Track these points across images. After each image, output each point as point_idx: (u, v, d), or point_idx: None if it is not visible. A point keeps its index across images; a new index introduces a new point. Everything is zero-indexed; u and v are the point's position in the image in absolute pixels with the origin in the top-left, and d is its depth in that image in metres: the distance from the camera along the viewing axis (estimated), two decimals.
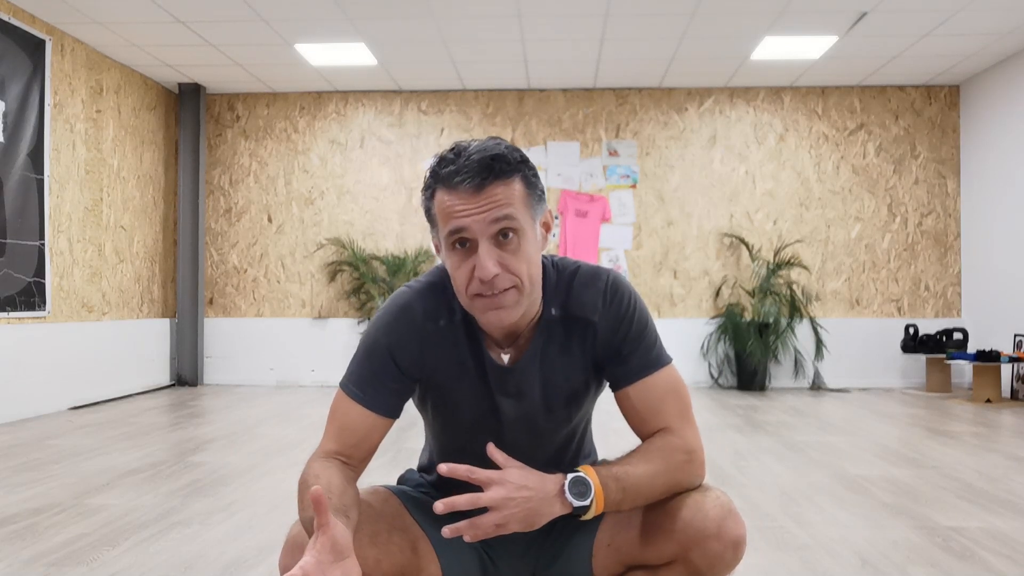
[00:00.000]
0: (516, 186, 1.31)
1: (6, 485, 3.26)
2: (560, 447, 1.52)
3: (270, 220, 7.41)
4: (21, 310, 5.21)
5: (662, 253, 7.24)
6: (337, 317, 7.32)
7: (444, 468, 1.28)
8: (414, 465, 1.68)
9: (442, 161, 1.32)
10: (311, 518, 1.20)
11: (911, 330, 6.85)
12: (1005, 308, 6.44)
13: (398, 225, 7.30)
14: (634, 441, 1.43)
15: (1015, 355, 6.03)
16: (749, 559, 2.18)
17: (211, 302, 7.40)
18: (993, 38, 5.92)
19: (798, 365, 7.02)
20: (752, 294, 7.01)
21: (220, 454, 3.94)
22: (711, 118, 7.28)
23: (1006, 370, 6.31)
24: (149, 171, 6.98)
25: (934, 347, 6.66)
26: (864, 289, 7.18)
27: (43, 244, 5.45)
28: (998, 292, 6.57)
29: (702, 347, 7.10)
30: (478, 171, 1.28)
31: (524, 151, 1.56)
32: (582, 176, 7.27)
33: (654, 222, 7.25)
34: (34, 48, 5.37)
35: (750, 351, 6.73)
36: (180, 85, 7.19)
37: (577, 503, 1.28)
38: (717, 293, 7.19)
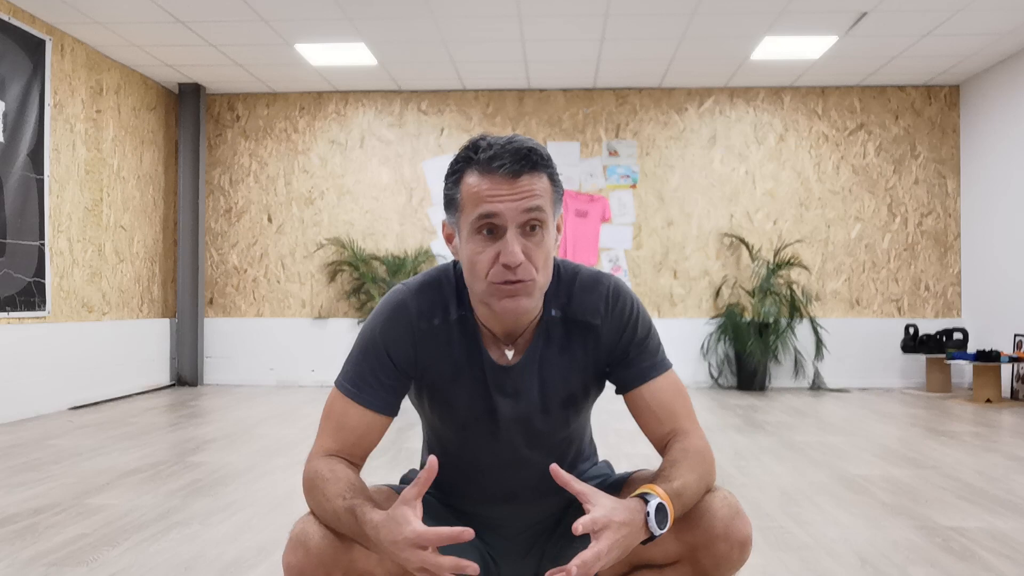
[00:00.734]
0: (544, 181, 1.32)
1: (6, 485, 3.26)
2: (559, 450, 1.52)
3: (270, 220, 7.41)
4: (21, 310, 5.21)
5: (662, 253, 7.24)
6: (337, 317, 7.32)
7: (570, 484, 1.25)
8: (413, 465, 1.68)
9: (476, 147, 1.32)
10: (348, 506, 1.24)
11: (911, 330, 6.85)
12: (1005, 308, 6.44)
13: (398, 225, 7.30)
14: (639, 442, 1.43)
15: (1015, 355, 6.03)
16: (749, 559, 2.18)
17: (211, 302, 7.40)
18: (993, 38, 5.92)
19: (798, 365, 7.02)
20: (752, 294, 7.01)
21: (220, 454, 3.94)
22: (711, 118, 7.28)
23: (1006, 370, 6.31)
24: (149, 171, 6.98)
25: (934, 347, 6.66)
26: (864, 289, 7.18)
27: (43, 244, 5.45)
28: (998, 292, 6.57)
29: (702, 347, 7.10)
30: (515, 159, 1.28)
31: None
32: (582, 176, 7.27)
33: (654, 222, 7.25)
34: (34, 48, 5.37)
35: (750, 351, 6.73)
36: (180, 85, 7.19)
37: (659, 532, 1.25)
38: (717, 293, 7.19)
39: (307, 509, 1.36)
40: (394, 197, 7.32)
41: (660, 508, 1.24)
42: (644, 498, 1.25)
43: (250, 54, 6.30)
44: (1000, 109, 6.55)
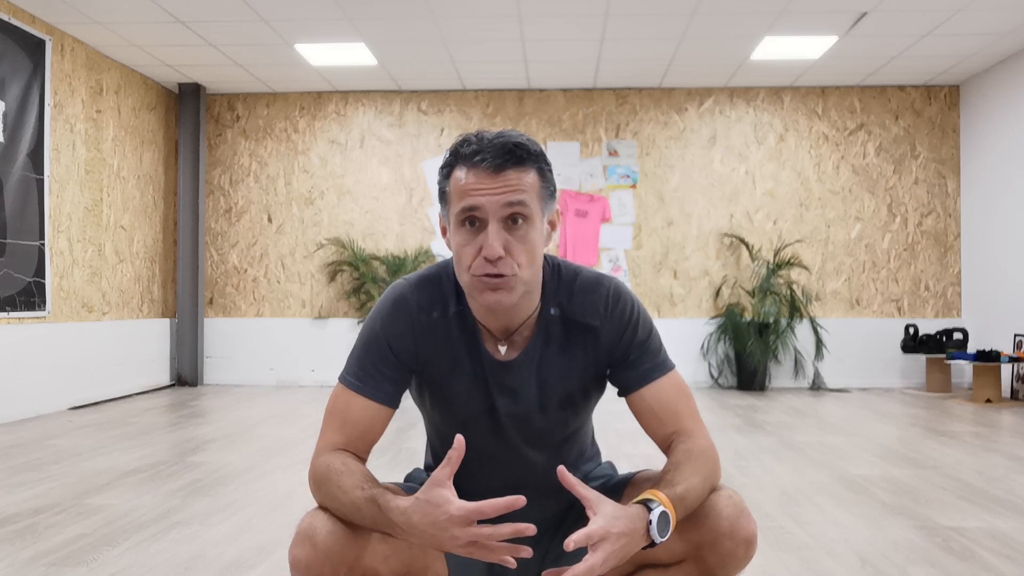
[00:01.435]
0: (531, 176, 1.34)
1: (6, 485, 3.26)
2: (560, 450, 1.52)
3: (270, 220, 7.41)
4: (21, 310, 5.21)
5: (662, 253, 7.24)
6: (337, 317, 7.31)
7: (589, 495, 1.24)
8: (414, 465, 1.68)
9: (464, 142, 1.35)
10: (369, 496, 1.25)
11: (911, 330, 6.85)
12: (1005, 308, 6.44)
13: (398, 225, 7.30)
14: (639, 442, 1.43)
15: (1015, 355, 6.03)
16: None
17: (211, 302, 7.40)
18: (993, 38, 5.92)
19: (798, 365, 7.02)
20: (752, 294, 7.01)
21: (220, 454, 3.94)
22: (711, 118, 7.28)
23: (1006, 370, 6.31)
24: (149, 171, 6.98)
25: (934, 347, 6.66)
26: (864, 289, 7.18)
27: (43, 244, 5.45)
28: (998, 292, 6.57)
29: (702, 347, 7.10)
30: (498, 154, 1.31)
31: None
32: (582, 176, 7.27)
33: (654, 222, 7.25)
34: (34, 48, 5.37)
35: (750, 351, 6.73)
36: (180, 85, 7.19)
37: (660, 539, 1.24)
38: (717, 293, 7.19)
39: (309, 506, 1.36)
40: (394, 197, 7.32)
41: (663, 516, 1.24)
42: (647, 505, 1.25)
43: (250, 54, 6.30)
44: (1000, 109, 6.55)
